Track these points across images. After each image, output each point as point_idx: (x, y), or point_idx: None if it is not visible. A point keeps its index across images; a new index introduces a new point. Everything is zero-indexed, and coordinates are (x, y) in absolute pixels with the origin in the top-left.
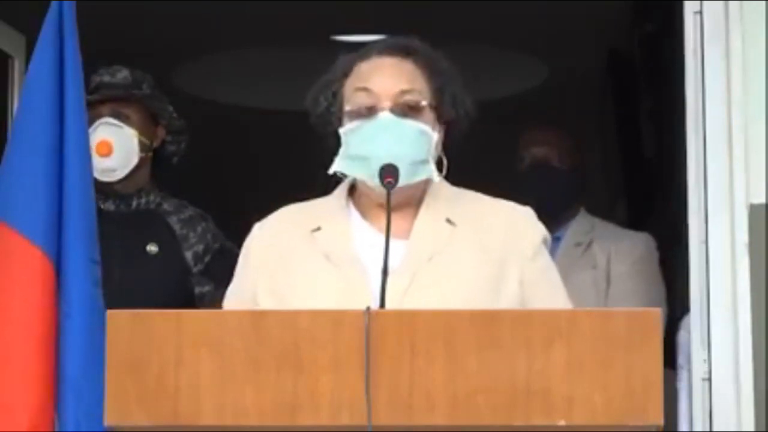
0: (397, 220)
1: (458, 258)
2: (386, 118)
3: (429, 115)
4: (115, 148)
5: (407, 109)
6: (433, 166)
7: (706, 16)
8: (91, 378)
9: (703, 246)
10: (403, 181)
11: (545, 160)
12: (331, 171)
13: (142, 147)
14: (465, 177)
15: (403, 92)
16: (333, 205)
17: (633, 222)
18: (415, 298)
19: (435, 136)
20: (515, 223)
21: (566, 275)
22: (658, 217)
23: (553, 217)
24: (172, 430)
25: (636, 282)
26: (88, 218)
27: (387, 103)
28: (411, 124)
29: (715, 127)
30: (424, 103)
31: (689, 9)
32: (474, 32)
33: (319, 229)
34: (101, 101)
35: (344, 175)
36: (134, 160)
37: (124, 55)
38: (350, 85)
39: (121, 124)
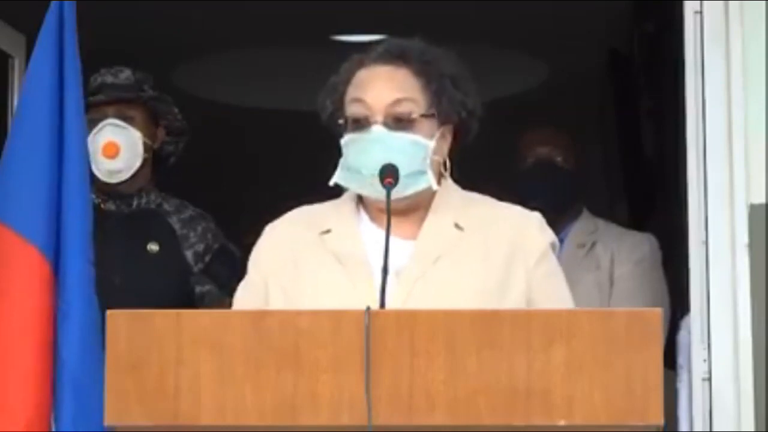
0: (407, 223)
1: (464, 262)
2: (378, 132)
3: (424, 123)
4: (122, 149)
5: (399, 121)
6: (430, 176)
7: (706, 16)
8: (89, 378)
9: (703, 246)
10: (399, 193)
11: (549, 160)
12: (331, 182)
13: (145, 148)
14: (466, 177)
15: (396, 103)
16: (343, 208)
17: (633, 222)
18: (419, 300)
19: (431, 144)
20: (524, 229)
21: (570, 277)
22: (659, 218)
23: (556, 217)
24: (172, 430)
25: (639, 282)
26: (86, 218)
27: (379, 116)
28: (403, 137)
29: (715, 127)
30: (415, 114)
31: (689, 9)
32: (474, 32)
33: (328, 231)
34: (108, 102)
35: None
36: (138, 162)
37: (124, 55)
38: (349, 93)
39: (127, 125)
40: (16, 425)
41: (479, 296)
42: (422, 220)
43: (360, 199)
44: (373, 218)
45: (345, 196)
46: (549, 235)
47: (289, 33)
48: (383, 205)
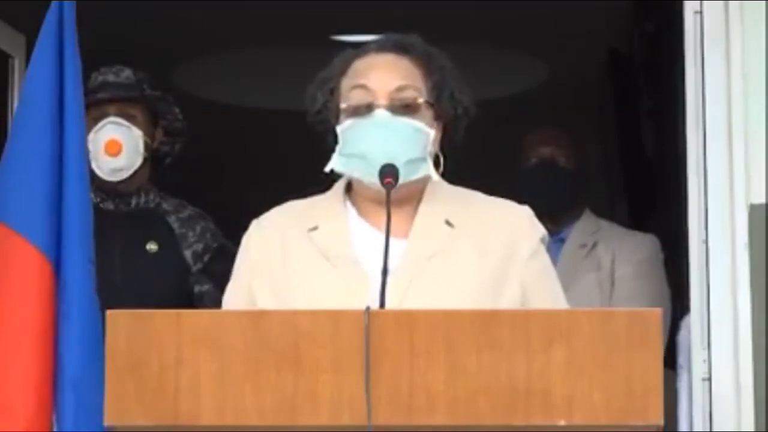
0: (396, 219)
1: (458, 259)
2: (382, 116)
3: (426, 112)
4: (124, 147)
5: (404, 107)
6: (430, 164)
7: (706, 16)
8: (90, 378)
9: (703, 246)
10: (400, 179)
11: (552, 160)
12: (327, 169)
13: (145, 147)
14: (465, 176)
15: (400, 89)
16: (330, 203)
17: (634, 222)
18: (415, 299)
19: (432, 133)
20: (514, 223)
21: (571, 277)
22: (659, 218)
23: (558, 216)
24: (172, 430)
25: (640, 283)
26: (86, 218)
27: (383, 101)
28: (407, 122)
29: (715, 127)
30: (420, 100)
31: (689, 9)
32: (474, 32)
33: (316, 228)
34: (109, 100)
35: (341, 173)
36: (139, 161)
37: (124, 55)
38: (347, 82)
39: (129, 124)
40: (17, 425)
41: (476, 294)
42: (412, 216)
43: (347, 194)
44: (361, 213)
45: (331, 191)
46: (539, 229)
47: (289, 33)
48: (376, 197)
